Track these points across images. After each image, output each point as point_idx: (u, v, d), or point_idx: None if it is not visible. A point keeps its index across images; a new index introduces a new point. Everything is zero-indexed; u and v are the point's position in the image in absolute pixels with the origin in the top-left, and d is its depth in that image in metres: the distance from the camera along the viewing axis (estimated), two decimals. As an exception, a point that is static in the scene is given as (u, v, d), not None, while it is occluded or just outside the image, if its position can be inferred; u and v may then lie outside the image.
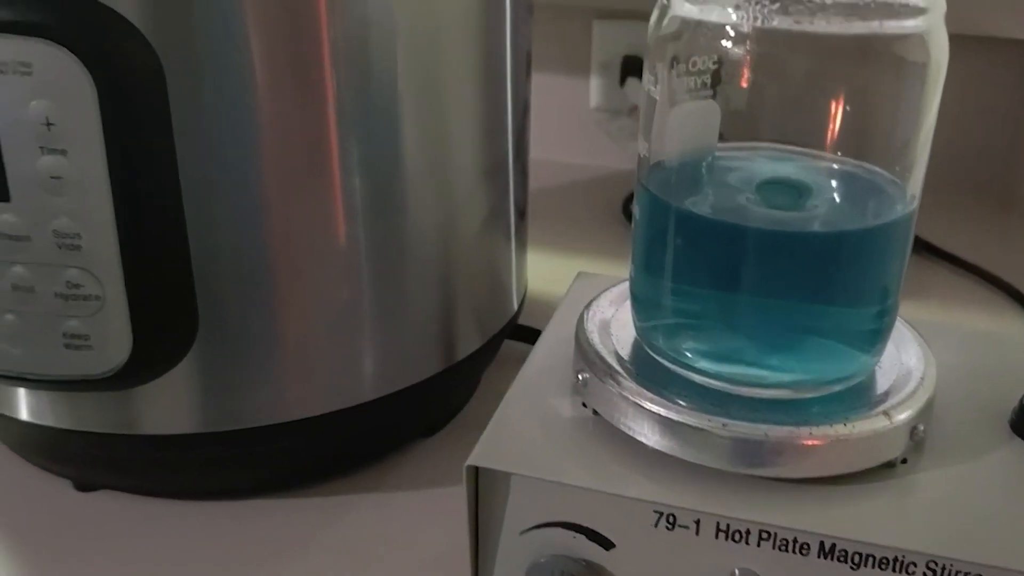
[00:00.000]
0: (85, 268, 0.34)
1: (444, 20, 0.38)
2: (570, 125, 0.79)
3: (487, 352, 0.46)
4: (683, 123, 0.32)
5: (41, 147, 0.32)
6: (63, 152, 0.32)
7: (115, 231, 0.33)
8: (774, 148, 0.33)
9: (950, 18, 0.31)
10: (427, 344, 0.42)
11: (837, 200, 0.32)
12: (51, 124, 0.32)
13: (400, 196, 0.38)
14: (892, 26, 0.29)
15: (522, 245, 0.49)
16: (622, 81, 0.73)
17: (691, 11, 0.31)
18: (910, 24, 0.29)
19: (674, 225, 0.32)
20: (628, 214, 0.70)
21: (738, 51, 0.30)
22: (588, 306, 0.37)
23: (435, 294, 0.41)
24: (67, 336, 0.35)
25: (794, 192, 0.32)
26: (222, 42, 0.32)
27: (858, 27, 0.29)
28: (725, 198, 0.32)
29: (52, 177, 0.32)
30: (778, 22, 0.29)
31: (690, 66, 0.31)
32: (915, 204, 0.32)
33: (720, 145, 0.32)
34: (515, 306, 0.49)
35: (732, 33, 0.30)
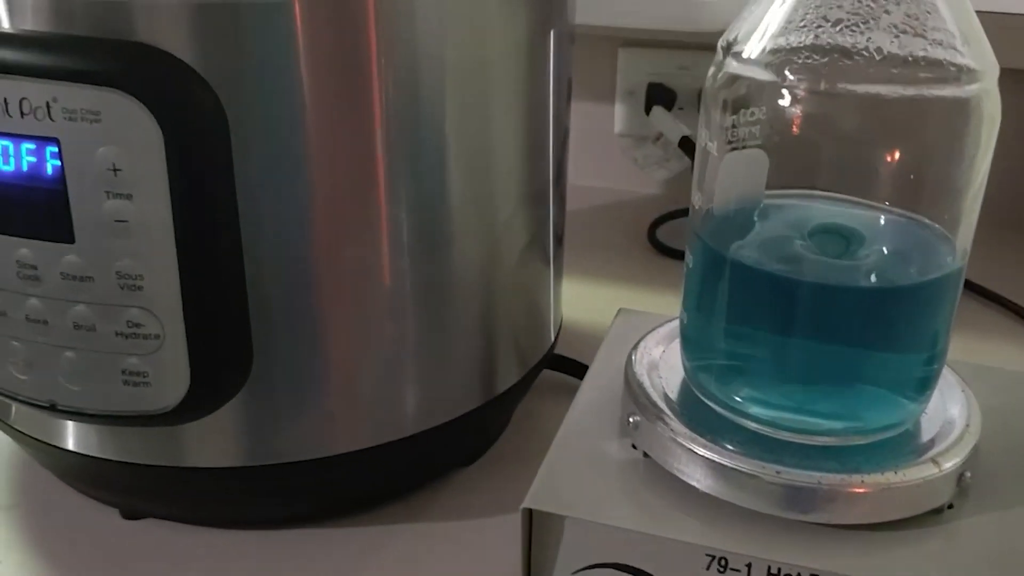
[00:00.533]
0: (146, 308, 0.34)
1: (492, 54, 0.38)
2: (595, 150, 0.79)
3: (525, 383, 0.47)
4: (734, 173, 0.33)
5: (107, 191, 0.33)
6: (128, 196, 0.33)
7: (176, 272, 0.34)
8: (825, 196, 0.33)
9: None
10: (469, 378, 0.43)
11: (888, 250, 0.33)
12: (118, 170, 0.32)
13: (446, 229, 0.39)
14: (947, 91, 0.30)
15: (559, 273, 0.50)
16: (647, 109, 0.74)
17: (744, 69, 0.32)
18: (965, 89, 0.30)
19: (728, 273, 0.33)
20: (654, 240, 0.71)
21: (789, 107, 0.31)
22: (636, 347, 0.38)
23: (477, 327, 0.42)
24: (126, 373, 0.35)
25: (844, 240, 0.33)
26: (278, 84, 0.33)
27: (910, 92, 0.30)
28: (777, 246, 0.33)
29: (117, 221, 0.33)
30: (828, 86, 0.30)
31: (742, 119, 0.32)
32: (966, 258, 0.33)
33: (770, 193, 0.33)
34: (552, 337, 0.49)
35: (784, 92, 0.31)
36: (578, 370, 0.51)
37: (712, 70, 0.33)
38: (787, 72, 0.30)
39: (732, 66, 0.32)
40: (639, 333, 0.39)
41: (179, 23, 0.32)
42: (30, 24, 0.32)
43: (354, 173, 0.36)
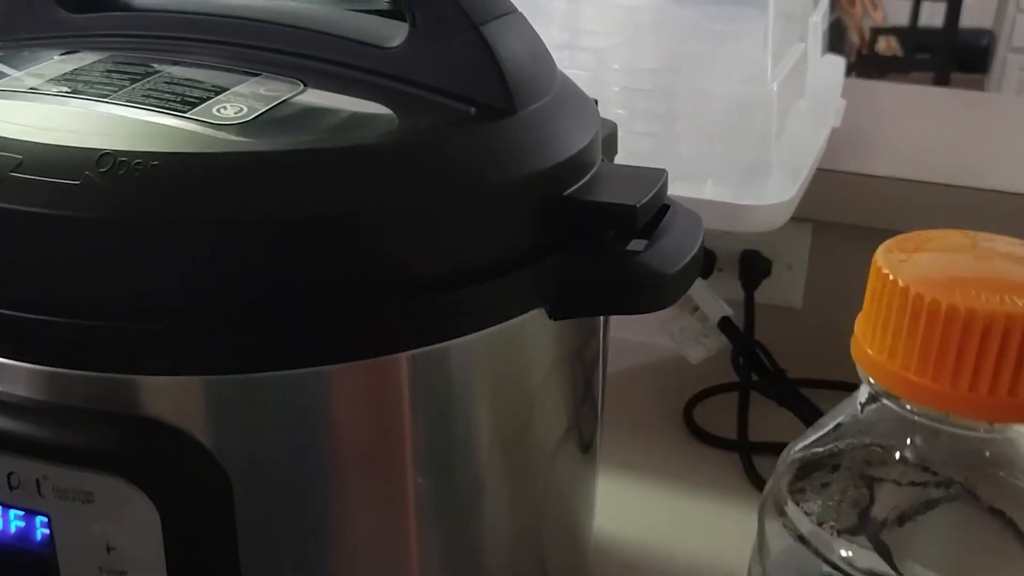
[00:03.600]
0: None
1: (533, 397, 0.36)
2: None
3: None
4: None
5: (100, 567, 0.30)
6: (123, 573, 0.30)
7: (174, 647, 0.31)
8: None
9: None
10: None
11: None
12: (112, 548, 0.30)
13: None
14: None
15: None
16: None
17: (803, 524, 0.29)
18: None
19: None
20: (690, 421, 0.68)
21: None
22: None
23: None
24: None
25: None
26: (298, 459, 0.31)
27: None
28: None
29: (111, 596, 0.31)
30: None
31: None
32: None
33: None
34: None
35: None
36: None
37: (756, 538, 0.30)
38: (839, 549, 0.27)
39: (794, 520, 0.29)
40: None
41: (189, 399, 0.29)
42: (23, 391, 0.30)
43: (372, 550, 0.33)
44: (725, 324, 0.67)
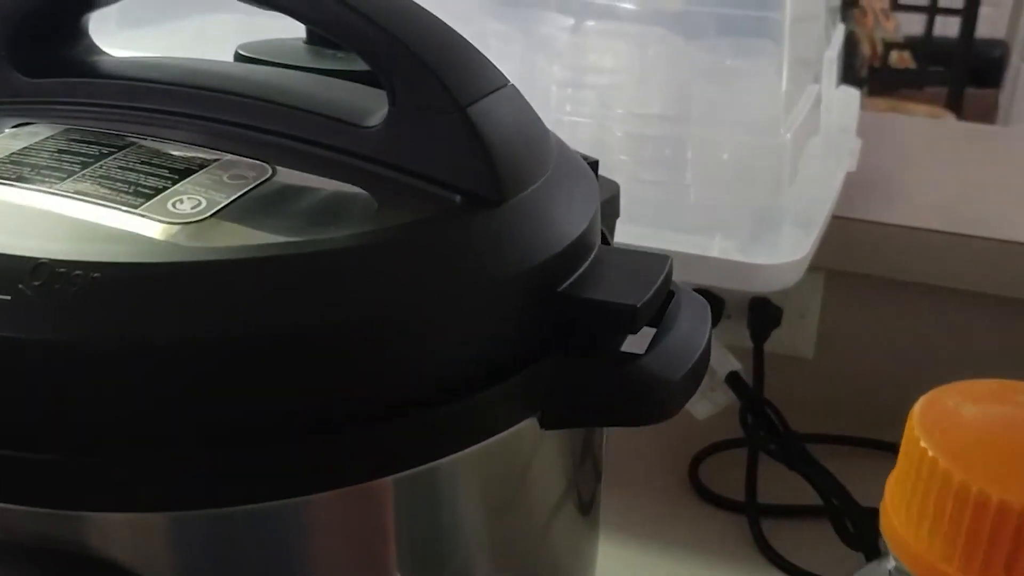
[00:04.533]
0: None
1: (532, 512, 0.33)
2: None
3: None
4: None
5: None
6: None
7: None
8: None
9: None
10: None
11: None
12: None
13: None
14: None
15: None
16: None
17: None
18: None
19: None
20: (695, 479, 0.65)
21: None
22: None
23: None
24: None
25: None
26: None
27: None
28: None
29: None
30: None
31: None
32: None
33: None
34: None
35: None
36: None
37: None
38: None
39: None
40: None
41: (147, 537, 0.26)
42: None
43: None
44: (733, 379, 0.64)
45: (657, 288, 0.31)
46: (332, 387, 0.26)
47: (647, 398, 0.30)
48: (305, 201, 0.30)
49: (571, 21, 0.81)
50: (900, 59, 2.35)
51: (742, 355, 0.67)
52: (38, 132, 0.33)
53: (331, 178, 0.31)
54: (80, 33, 0.37)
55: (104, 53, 0.38)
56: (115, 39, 0.42)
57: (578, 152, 0.43)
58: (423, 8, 0.32)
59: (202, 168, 0.30)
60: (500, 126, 0.31)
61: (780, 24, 0.65)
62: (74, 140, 0.32)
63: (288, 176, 0.30)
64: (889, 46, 2.03)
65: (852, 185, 0.68)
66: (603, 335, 0.31)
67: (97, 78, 0.35)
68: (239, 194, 0.29)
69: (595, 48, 0.75)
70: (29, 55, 0.35)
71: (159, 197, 0.28)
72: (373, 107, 0.32)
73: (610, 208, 0.42)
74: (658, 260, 0.33)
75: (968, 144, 0.95)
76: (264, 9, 0.32)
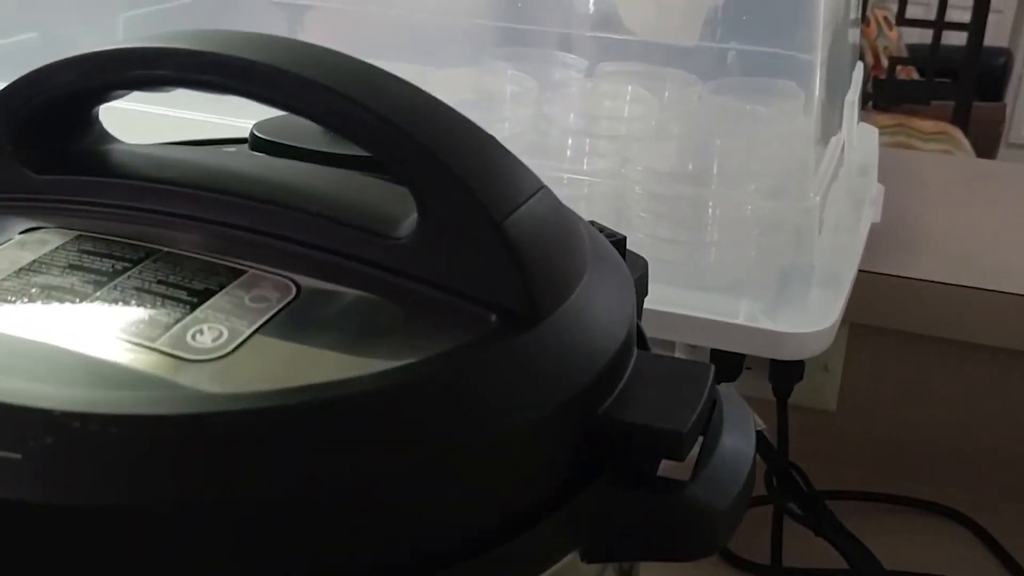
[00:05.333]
0: None
1: None
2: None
3: None
4: None
5: None
6: None
7: None
8: None
9: None
10: None
11: None
12: None
13: None
14: None
15: None
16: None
17: None
18: None
19: None
20: (727, 550, 0.63)
21: None
22: None
23: None
24: None
25: None
26: None
27: None
28: None
29: None
30: None
31: None
32: None
33: None
34: None
35: None
36: None
37: None
38: None
39: None
40: None
41: None
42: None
43: None
44: (758, 440, 0.62)
45: (701, 408, 0.30)
46: (371, 543, 0.24)
47: (696, 533, 0.28)
48: (332, 328, 0.28)
49: (585, 63, 0.79)
50: (905, 71, 2.34)
51: (764, 407, 0.65)
52: (48, 240, 0.31)
53: (359, 299, 0.29)
54: (90, 122, 0.35)
55: (116, 141, 0.36)
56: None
57: (603, 229, 0.41)
58: (444, 105, 0.31)
59: (222, 289, 0.28)
60: (536, 238, 0.29)
61: (808, 66, 0.63)
62: (86, 252, 0.30)
63: (313, 296, 0.29)
64: (895, 62, 2.01)
65: (874, 233, 0.67)
66: (647, 466, 0.29)
67: (109, 176, 0.33)
68: (262, 321, 0.27)
69: (610, 94, 0.73)
70: (38, 150, 0.34)
71: (178, 326, 0.26)
72: (401, 210, 0.30)
73: (639, 286, 0.40)
74: (701, 371, 0.32)
75: (992, 182, 0.92)
76: (278, 110, 0.31)
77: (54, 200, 0.33)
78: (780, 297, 0.57)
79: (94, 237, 0.31)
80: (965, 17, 2.07)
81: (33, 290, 0.28)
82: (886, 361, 0.70)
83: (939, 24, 1.91)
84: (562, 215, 0.33)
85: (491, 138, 0.31)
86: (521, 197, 0.30)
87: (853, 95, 0.73)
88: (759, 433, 0.63)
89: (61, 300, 0.28)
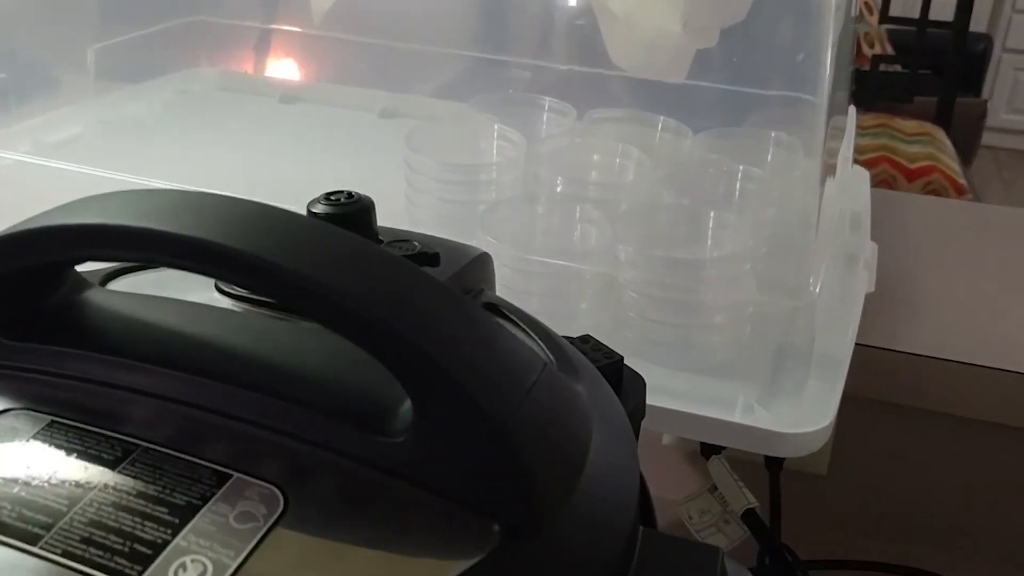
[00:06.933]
0: None
1: None
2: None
3: None
4: None
5: None
6: None
7: None
8: None
9: None
10: None
11: None
12: None
13: None
14: None
15: None
16: (703, 451, 0.65)
17: None
18: None
19: None
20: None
21: None
22: None
23: None
24: None
25: None
26: None
27: None
28: None
29: None
30: None
31: None
32: None
33: None
34: None
35: None
36: None
37: None
38: None
39: None
40: None
41: None
42: None
43: None
44: (750, 517, 0.61)
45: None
46: None
47: None
48: (323, 552, 0.27)
49: (574, 112, 0.77)
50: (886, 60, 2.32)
51: (754, 473, 0.64)
52: (18, 429, 0.29)
53: (351, 496, 0.27)
54: (64, 278, 0.33)
55: (91, 286, 0.34)
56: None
57: (600, 347, 0.40)
58: (433, 282, 0.29)
59: (205, 504, 0.26)
60: (539, 438, 0.28)
61: (814, 109, 0.61)
62: (59, 446, 0.28)
63: (302, 510, 0.27)
64: (878, 59, 1.99)
65: (866, 299, 0.65)
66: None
67: (84, 346, 0.31)
68: (248, 549, 0.25)
69: (600, 148, 0.71)
70: (11, 313, 0.32)
71: (159, 560, 0.25)
72: (395, 397, 0.29)
73: (637, 410, 0.39)
74: (708, 555, 0.30)
75: (979, 236, 0.89)
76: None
77: (26, 369, 0.31)
78: (775, 381, 0.56)
79: (68, 426, 0.29)
80: (948, 8, 2.06)
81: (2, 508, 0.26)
82: (878, 428, 0.69)
83: (923, 22, 1.90)
84: (565, 391, 0.31)
85: (487, 319, 0.30)
86: (523, 389, 0.28)
87: (848, 151, 0.72)
88: (751, 511, 0.62)
89: (31, 521, 0.26)
